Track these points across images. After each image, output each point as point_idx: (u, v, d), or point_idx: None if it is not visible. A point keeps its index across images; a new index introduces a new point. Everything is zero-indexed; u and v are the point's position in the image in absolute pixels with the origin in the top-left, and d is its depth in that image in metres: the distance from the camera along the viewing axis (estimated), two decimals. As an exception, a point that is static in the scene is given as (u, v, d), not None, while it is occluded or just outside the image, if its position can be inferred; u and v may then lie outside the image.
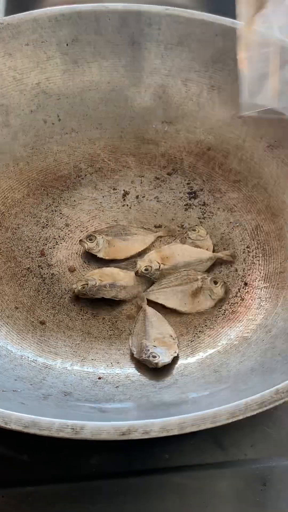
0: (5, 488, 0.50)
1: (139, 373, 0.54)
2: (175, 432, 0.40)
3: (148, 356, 0.54)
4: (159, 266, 0.60)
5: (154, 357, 0.54)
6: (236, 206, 0.67)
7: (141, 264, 0.61)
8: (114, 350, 0.57)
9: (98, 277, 0.60)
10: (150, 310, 0.58)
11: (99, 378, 0.54)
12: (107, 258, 0.62)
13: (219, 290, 0.59)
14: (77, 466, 0.52)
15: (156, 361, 0.53)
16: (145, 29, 0.69)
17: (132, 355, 0.56)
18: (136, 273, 0.61)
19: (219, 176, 0.69)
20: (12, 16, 0.68)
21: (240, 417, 0.41)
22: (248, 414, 0.41)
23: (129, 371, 0.55)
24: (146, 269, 0.60)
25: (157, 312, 0.58)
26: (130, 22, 0.69)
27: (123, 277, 0.60)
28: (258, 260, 0.62)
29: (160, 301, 0.59)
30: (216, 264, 0.62)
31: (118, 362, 0.56)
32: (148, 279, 0.61)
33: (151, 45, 0.70)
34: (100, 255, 0.62)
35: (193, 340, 0.57)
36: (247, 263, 0.62)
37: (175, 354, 0.55)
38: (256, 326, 0.56)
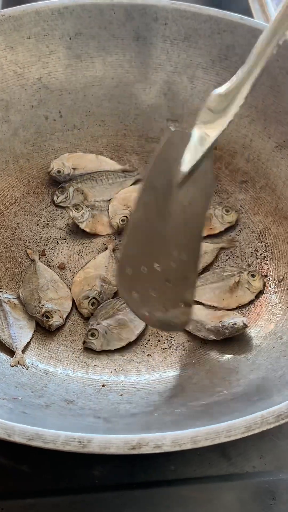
0: (4, 500, 0.48)
1: (144, 381, 0.52)
2: (188, 447, 0.37)
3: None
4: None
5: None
6: (243, 208, 0.65)
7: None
8: (117, 356, 0.54)
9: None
10: None
11: (103, 386, 0.52)
12: (88, 230, 0.62)
13: (257, 283, 0.58)
14: (79, 478, 0.50)
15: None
16: (151, 24, 0.67)
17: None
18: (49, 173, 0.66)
19: (225, 176, 0.67)
20: (13, 8, 0.65)
21: (256, 431, 0.38)
22: (264, 428, 0.39)
23: (134, 379, 0.52)
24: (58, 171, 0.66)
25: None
26: (135, 16, 0.67)
27: None
28: (267, 264, 0.60)
29: (197, 299, 0.57)
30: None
31: (122, 369, 0.53)
32: None
33: (157, 40, 0.67)
34: (82, 226, 0.62)
35: (201, 347, 0.55)
36: (254, 267, 0.60)
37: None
38: (266, 333, 0.54)
